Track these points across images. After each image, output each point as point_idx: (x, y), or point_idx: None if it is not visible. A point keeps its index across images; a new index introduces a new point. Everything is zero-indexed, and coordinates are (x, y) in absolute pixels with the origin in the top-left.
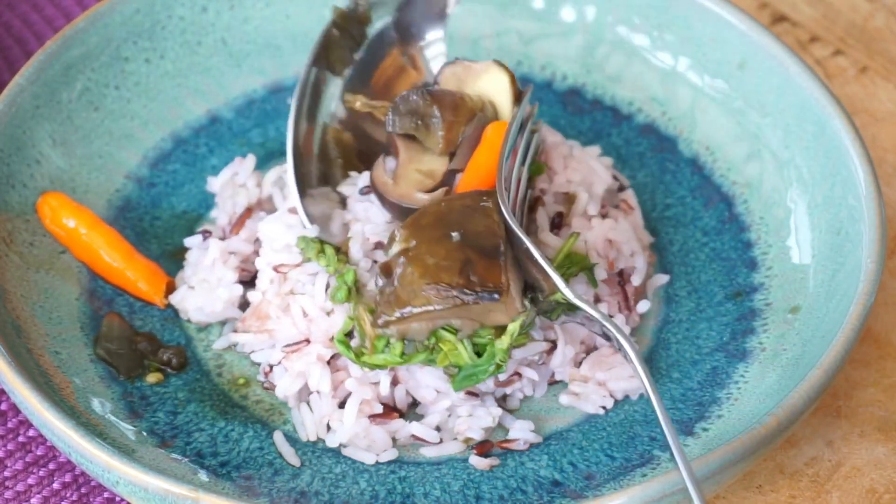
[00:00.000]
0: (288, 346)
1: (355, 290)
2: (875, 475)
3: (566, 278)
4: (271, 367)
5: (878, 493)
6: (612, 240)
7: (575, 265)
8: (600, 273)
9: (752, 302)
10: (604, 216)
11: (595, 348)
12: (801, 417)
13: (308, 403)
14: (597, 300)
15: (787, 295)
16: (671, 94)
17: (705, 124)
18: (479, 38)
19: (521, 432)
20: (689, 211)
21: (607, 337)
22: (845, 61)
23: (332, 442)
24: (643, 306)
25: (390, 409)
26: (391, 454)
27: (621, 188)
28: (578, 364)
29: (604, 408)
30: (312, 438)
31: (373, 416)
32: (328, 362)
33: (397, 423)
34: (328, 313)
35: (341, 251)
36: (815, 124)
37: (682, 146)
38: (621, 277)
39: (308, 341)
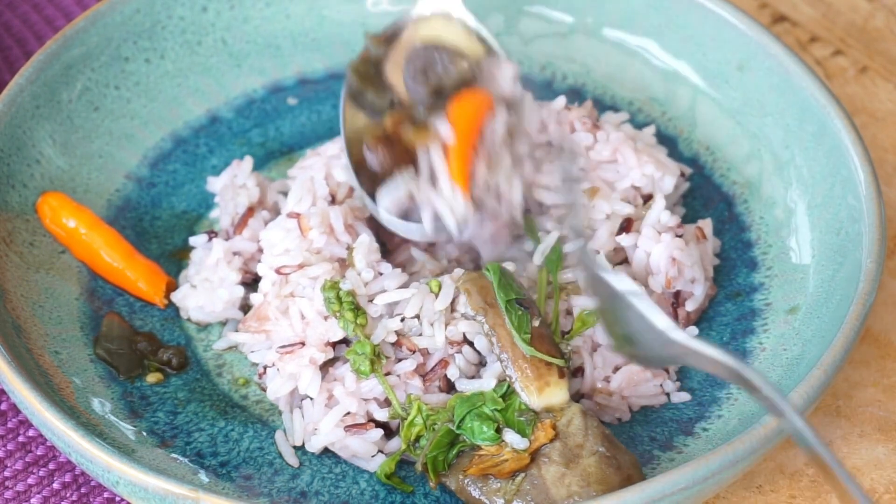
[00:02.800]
0: (282, 347)
1: (378, 361)
2: (875, 475)
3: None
4: (265, 368)
5: (877, 493)
6: (676, 259)
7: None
8: (656, 287)
9: (752, 302)
10: (678, 235)
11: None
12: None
13: (301, 409)
14: None
15: (787, 295)
16: (671, 94)
17: (705, 124)
18: None
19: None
20: (689, 211)
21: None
22: (845, 61)
23: (311, 448)
24: (691, 332)
25: (371, 422)
26: (379, 460)
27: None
28: (607, 379)
29: (619, 419)
30: (298, 443)
31: (348, 427)
32: (322, 367)
33: (374, 434)
34: (325, 317)
35: (361, 310)
36: (815, 124)
37: (682, 146)
38: (676, 300)
39: (303, 344)
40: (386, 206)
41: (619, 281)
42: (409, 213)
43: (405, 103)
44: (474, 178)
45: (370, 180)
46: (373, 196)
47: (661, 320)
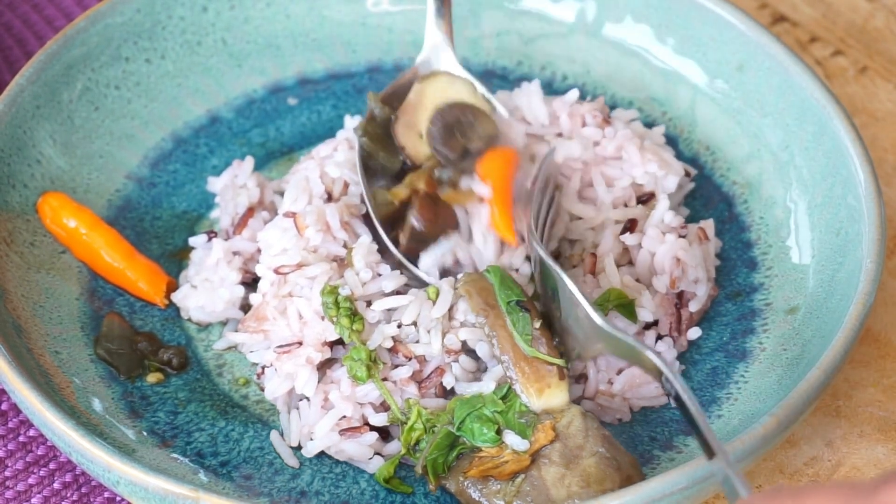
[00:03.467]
0: (280, 346)
1: (375, 367)
2: (875, 475)
3: (604, 312)
4: (263, 368)
5: None
6: (680, 259)
7: (612, 300)
8: (660, 287)
9: (752, 302)
10: (681, 235)
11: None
12: (801, 417)
13: (298, 410)
14: (647, 327)
15: (786, 295)
16: (671, 94)
17: (705, 124)
18: (479, 38)
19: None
20: (689, 211)
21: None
22: (845, 61)
23: (308, 452)
24: (694, 333)
25: (365, 425)
26: (378, 461)
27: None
28: (610, 382)
29: (619, 420)
30: (294, 444)
31: (343, 431)
32: (319, 368)
33: (369, 437)
34: (322, 317)
35: (358, 316)
36: (815, 124)
37: (682, 146)
38: (679, 300)
39: (300, 343)
40: (427, 267)
41: (557, 268)
42: (446, 271)
43: (416, 164)
44: (520, 230)
45: (414, 248)
46: (405, 252)
47: (590, 308)
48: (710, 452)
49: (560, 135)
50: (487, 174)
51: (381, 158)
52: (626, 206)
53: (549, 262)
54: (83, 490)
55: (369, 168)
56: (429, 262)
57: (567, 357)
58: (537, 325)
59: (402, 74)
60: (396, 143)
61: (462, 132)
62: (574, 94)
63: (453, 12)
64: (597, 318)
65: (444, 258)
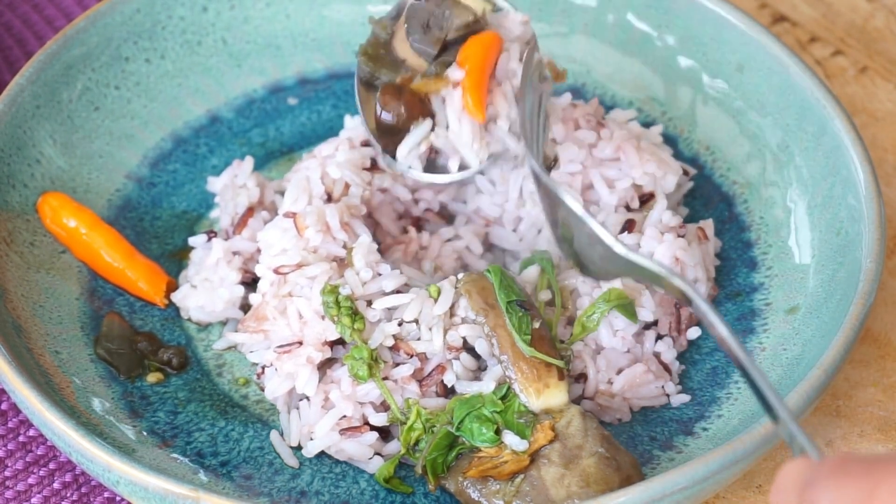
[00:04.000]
0: (280, 346)
1: (377, 366)
2: None
3: (599, 317)
4: (263, 368)
5: None
6: (679, 258)
7: (612, 300)
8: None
9: (752, 302)
10: (680, 235)
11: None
12: (801, 417)
13: (298, 410)
14: (647, 327)
15: (787, 295)
16: (671, 94)
17: (705, 124)
18: None
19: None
20: (689, 211)
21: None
22: (845, 61)
23: (308, 452)
24: (694, 332)
25: (365, 425)
26: (378, 461)
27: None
28: (610, 382)
29: (619, 420)
30: (294, 444)
31: (343, 430)
32: (319, 367)
33: (369, 437)
34: (322, 317)
35: (358, 315)
36: (815, 124)
37: (682, 146)
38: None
39: (300, 343)
40: (406, 159)
41: (569, 198)
42: (432, 165)
43: (418, 68)
44: (497, 114)
45: (391, 142)
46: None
47: (606, 236)
48: (768, 409)
49: (554, 140)
50: (464, 60)
51: (384, 75)
52: (627, 207)
53: (548, 181)
54: (83, 490)
55: (374, 88)
56: (404, 152)
57: (587, 272)
58: (537, 325)
59: None
60: (397, 58)
61: (438, 25)
62: (567, 97)
63: None
64: (618, 247)
65: (419, 147)
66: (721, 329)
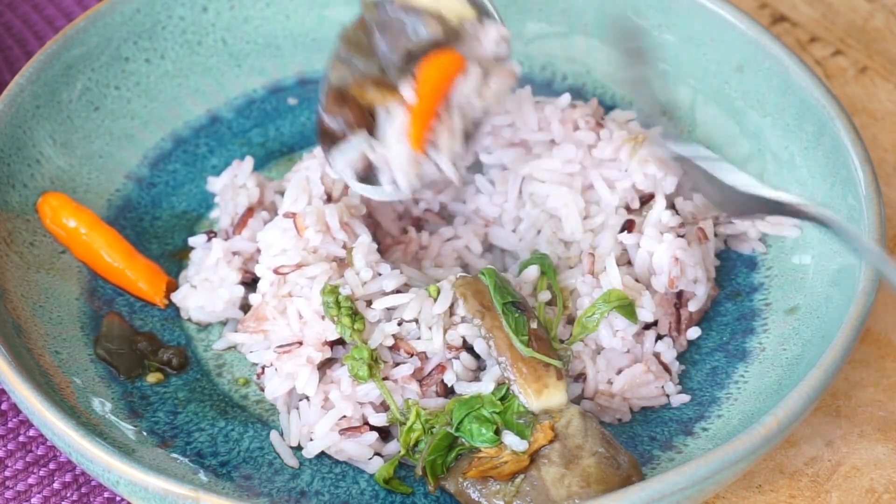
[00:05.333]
0: (280, 346)
1: (377, 366)
2: (874, 475)
3: (598, 318)
4: (263, 368)
5: (877, 492)
6: (679, 258)
7: (612, 301)
8: (658, 286)
9: (751, 302)
10: (680, 235)
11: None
12: (801, 417)
13: (297, 409)
14: (647, 327)
15: (787, 295)
16: (671, 94)
17: (705, 124)
18: None
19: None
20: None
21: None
22: (845, 61)
23: (308, 452)
24: (693, 333)
25: (365, 425)
26: (378, 461)
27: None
28: (609, 382)
29: (619, 420)
30: (294, 444)
31: (343, 430)
32: (319, 368)
33: (369, 437)
34: (322, 317)
35: (358, 315)
36: (815, 124)
37: None
38: (679, 300)
39: (300, 343)
40: (340, 167)
41: (694, 150)
42: (369, 176)
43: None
44: (437, 144)
45: (331, 146)
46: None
47: (741, 179)
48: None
49: (553, 141)
50: (419, 80)
51: (357, 62)
52: (628, 207)
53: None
54: (83, 490)
55: (348, 71)
56: (340, 162)
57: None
58: (534, 325)
59: None
60: (374, 48)
61: (406, 35)
62: (566, 98)
63: None
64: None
65: (354, 160)
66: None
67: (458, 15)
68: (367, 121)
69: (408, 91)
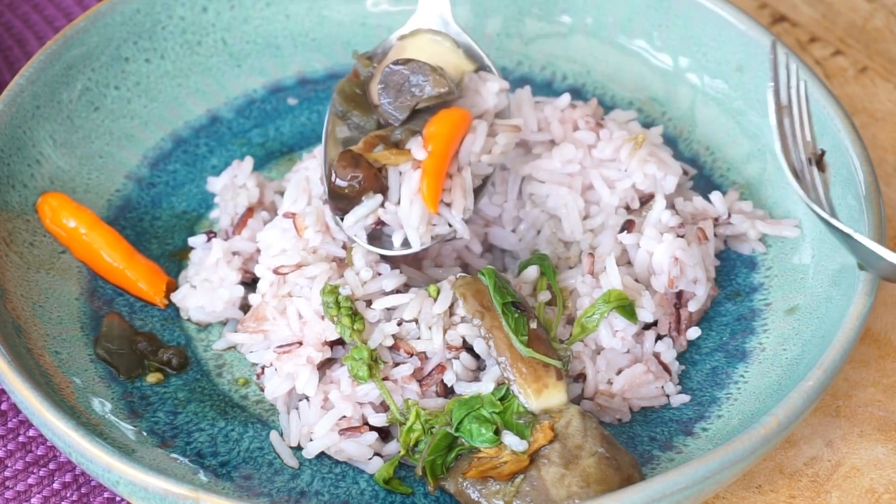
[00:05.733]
0: (280, 346)
1: (377, 366)
2: (874, 475)
3: (598, 318)
4: (263, 368)
5: (877, 492)
6: (678, 258)
7: (612, 301)
8: (658, 286)
9: (751, 302)
10: (679, 235)
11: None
12: (801, 417)
13: (297, 410)
14: (647, 327)
15: (786, 295)
16: (671, 94)
17: (705, 124)
18: (478, 38)
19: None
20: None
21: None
22: (845, 61)
23: (308, 453)
24: (693, 333)
25: (365, 425)
26: (377, 461)
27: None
28: (609, 382)
29: (619, 420)
30: (294, 444)
31: (343, 431)
32: (319, 368)
33: (368, 437)
34: (322, 317)
35: (358, 315)
36: (815, 124)
37: (682, 146)
38: (679, 300)
39: (300, 343)
40: (353, 230)
41: (836, 223)
42: (377, 233)
43: (390, 125)
44: (452, 202)
45: (342, 207)
46: (334, 211)
47: (885, 252)
48: None
49: (552, 141)
50: (431, 137)
51: (355, 117)
52: (628, 207)
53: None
54: (83, 490)
55: (345, 122)
56: (351, 222)
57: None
58: (534, 325)
59: (395, 32)
60: (371, 102)
61: (410, 92)
62: (566, 98)
63: (453, 11)
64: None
65: (366, 219)
66: None
67: (457, 68)
68: (379, 180)
69: (418, 149)
